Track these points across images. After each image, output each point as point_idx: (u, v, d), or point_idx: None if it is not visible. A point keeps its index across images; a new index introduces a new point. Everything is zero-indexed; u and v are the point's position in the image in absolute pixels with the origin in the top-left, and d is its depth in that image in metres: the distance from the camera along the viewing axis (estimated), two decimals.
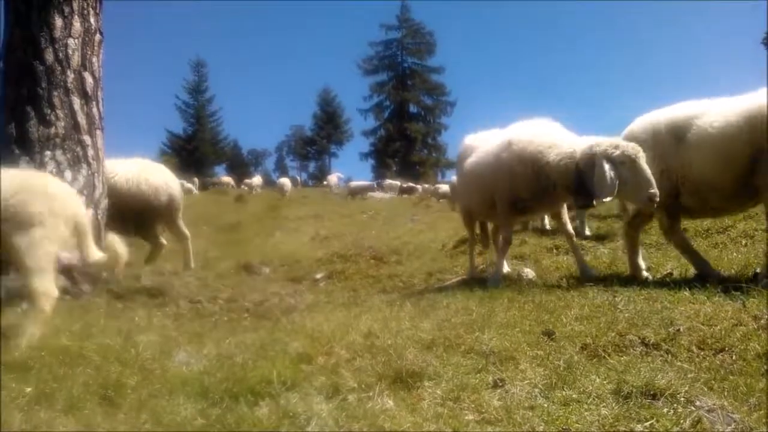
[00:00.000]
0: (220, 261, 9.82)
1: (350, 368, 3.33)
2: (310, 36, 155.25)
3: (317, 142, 78.53)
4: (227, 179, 45.54)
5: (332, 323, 4.35)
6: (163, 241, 8.35)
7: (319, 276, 8.50)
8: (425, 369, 3.23)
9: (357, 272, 8.60)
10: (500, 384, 3.06)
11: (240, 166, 78.18)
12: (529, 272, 6.53)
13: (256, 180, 41.87)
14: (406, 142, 67.34)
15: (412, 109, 70.84)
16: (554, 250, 8.01)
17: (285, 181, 36.01)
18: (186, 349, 3.71)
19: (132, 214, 6.98)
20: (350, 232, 14.63)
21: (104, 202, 6.20)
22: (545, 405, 2.79)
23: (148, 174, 7.78)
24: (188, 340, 3.99)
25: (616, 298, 4.67)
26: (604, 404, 2.75)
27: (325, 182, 41.26)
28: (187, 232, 8.55)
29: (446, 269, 8.21)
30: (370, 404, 2.82)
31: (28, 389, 2.85)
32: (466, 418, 2.70)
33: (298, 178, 72.36)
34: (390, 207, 24.66)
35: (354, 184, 35.91)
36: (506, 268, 6.93)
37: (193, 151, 68.25)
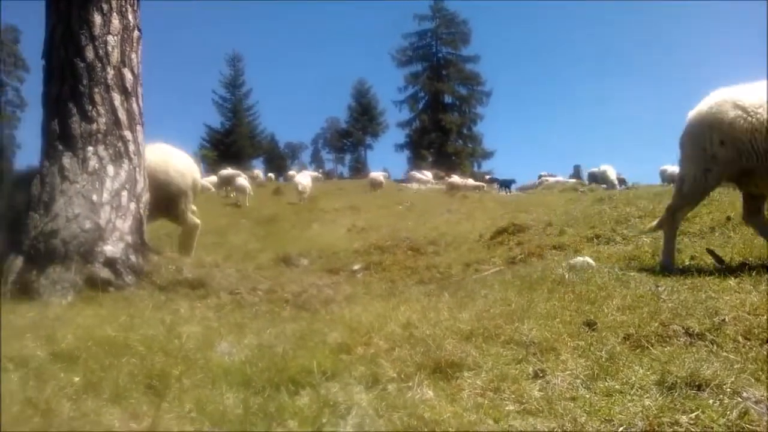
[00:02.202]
0: (260, 253, 9.95)
1: (389, 358, 3.33)
2: (345, 28, 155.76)
3: (353, 134, 78.65)
4: (257, 172, 47.22)
5: (370, 314, 4.36)
6: (196, 220, 8.14)
7: (356, 267, 8.55)
8: (464, 359, 3.23)
9: (394, 263, 8.63)
10: (541, 375, 3.03)
11: (277, 159, 78.97)
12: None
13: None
14: (441, 133, 66.99)
15: (447, 99, 70.52)
16: (594, 240, 7.90)
17: (300, 178, 27.17)
18: (228, 339, 3.76)
19: (161, 198, 6.96)
20: (387, 224, 14.68)
21: (146, 196, 6.29)
22: (587, 396, 2.76)
23: (174, 159, 7.78)
24: (230, 330, 4.03)
25: (659, 288, 4.59)
26: (648, 395, 2.71)
27: (370, 178, 33.29)
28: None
29: (484, 260, 8.17)
30: (410, 394, 2.83)
31: (76, 378, 2.92)
32: (507, 408, 2.69)
33: (335, 170, 72.80)
34: (426, 198, 24.63)
35: (458, 182, 32.64)
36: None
37: (231, 144, 69.02)
